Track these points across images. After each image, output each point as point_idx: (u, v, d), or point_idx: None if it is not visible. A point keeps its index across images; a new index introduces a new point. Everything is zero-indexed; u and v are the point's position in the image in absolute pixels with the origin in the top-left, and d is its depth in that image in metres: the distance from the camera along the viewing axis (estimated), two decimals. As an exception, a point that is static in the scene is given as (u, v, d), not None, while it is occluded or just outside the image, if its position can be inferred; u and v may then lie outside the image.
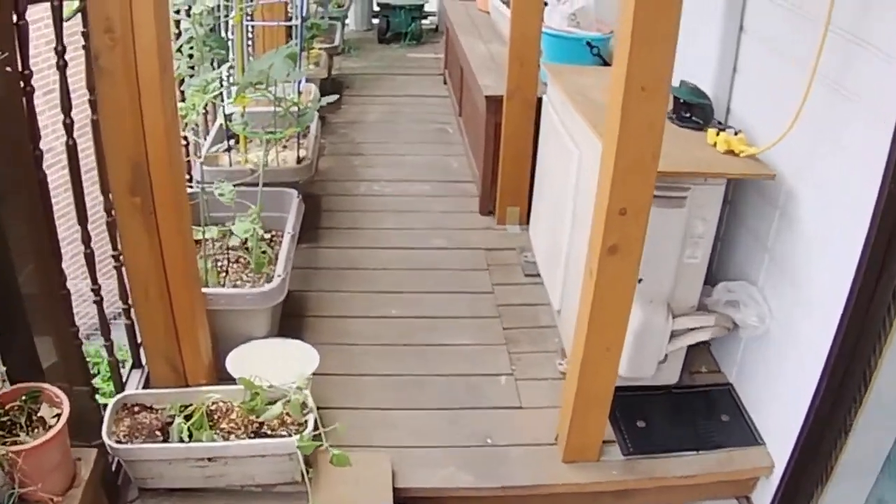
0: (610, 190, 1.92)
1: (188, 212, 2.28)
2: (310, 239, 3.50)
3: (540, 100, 3.36)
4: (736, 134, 2.42)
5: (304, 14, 3.72)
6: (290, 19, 3.79)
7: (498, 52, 4.09)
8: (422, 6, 6.27)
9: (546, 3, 3.51)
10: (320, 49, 4.77)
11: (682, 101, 2.60)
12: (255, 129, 3.63)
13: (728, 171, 2.34)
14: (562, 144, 2.78)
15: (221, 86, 3.02)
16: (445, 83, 5.36)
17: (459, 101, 4.57)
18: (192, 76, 2.89)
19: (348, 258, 3.39)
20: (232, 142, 3.45)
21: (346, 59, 5.89)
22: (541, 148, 3.23)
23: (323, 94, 4.85)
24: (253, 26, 4.02)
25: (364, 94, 5.24)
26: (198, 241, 2.65)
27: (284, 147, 3.62)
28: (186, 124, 2.70)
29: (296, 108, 3.17)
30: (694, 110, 2.60)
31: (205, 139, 3.51)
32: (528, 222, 3.58)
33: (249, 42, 4.22)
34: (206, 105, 2.94)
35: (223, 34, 3.62)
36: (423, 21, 6.50)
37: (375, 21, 6.58)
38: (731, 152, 2.39)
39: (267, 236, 3.02)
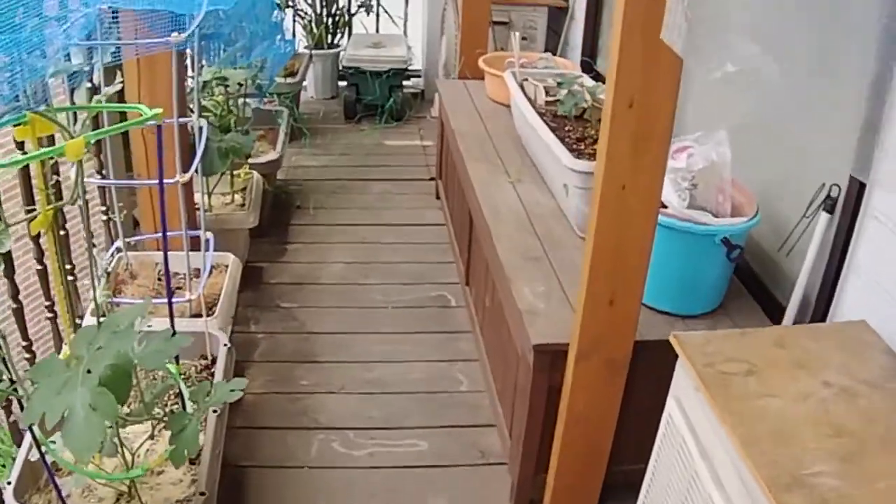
0: None
1: None
2: None
3: (637, 352, 1.82)
4: None
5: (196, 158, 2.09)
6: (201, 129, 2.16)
7: (537, 205, 2.48)
8: (403, 71, 4.62)
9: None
10: (248, 174, 3.12)
11: None
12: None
13: None
14: None
15: None
16: (438, 197, 3.73)
17: (466, 265, 2.95)
18: None
19: None
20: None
21: (299, 151, 4.25)
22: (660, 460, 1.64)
23: (259, 233, 3.24)
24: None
25: (320, 221, 3.60)
26: None
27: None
28: None
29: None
30: None
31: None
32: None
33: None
34: None
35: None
36: (406, 82, 4.86)
37: (342, 84, 4.93)
38: None
39: None
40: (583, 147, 2.38)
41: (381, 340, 2.85)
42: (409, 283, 3.16)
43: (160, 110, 1.43)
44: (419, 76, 5.14)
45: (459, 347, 2.82)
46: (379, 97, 4.56)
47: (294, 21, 4.91)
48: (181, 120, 2.33)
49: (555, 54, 3.87)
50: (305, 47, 4.94)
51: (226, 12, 2.70)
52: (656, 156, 1.59)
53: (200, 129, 2.26)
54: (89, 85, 2.42)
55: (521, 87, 2.82)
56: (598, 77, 3.49)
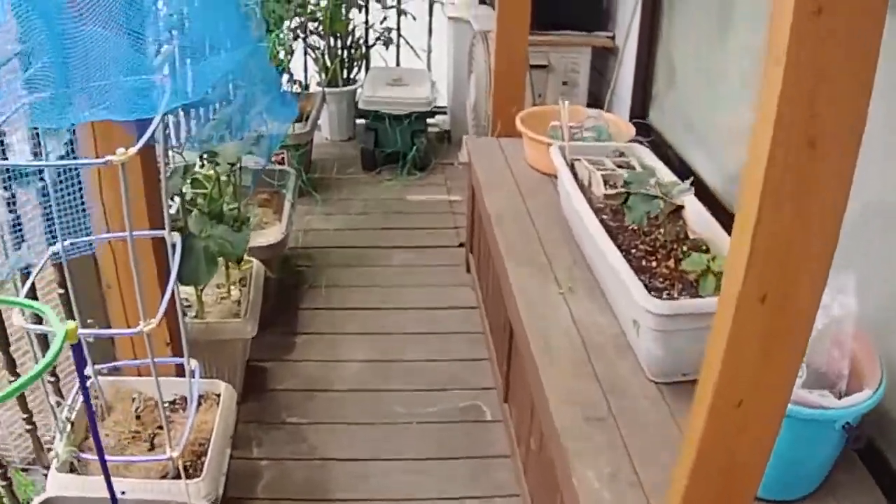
0: None
1: None
2: None
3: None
4: None
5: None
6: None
7: (596, 330, 2.04)
8: (427, 115, 4.18)
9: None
10: (247, 262, 2.70)
11: None
12: None
13: None
14: None
15: None
16: (469, 271, 3.30)
17: (505, 379, 2.51)
18: None
19: None
20: None
21: (311, 209, 3.83)
22: None
23: (263, 321, 2.54)
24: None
25: (334, 303, 3.18)
26: None
27: None
28: None
29: None
30: None
31: None
32: None
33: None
34: None
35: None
36: (430, 119, 4.39)
37: (361, 121, 4.49)
38: None
39: None
40: (654, 265, 1.93)
41: (404, 469, 2.43)
42: (436, 389, 2.74)
43: (73, 325, 1.02)
44: (444, 113, 4.69)
45: (496, 479, 2.39)
46: (400, 143, 4.13)
47: (305, 55, 4.50)
48: (146, 233, 1.92)
49: (602, 106, 3.43)
50: (318, 84, 4.53)
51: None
52: (790, 362, 1.15)
53: (174, 245, 1.84)
54: (41, 184, 2.03)
55: (572, 167, 2.38)
56: (658, 145, 3.05)
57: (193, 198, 2.41)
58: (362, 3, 4.28)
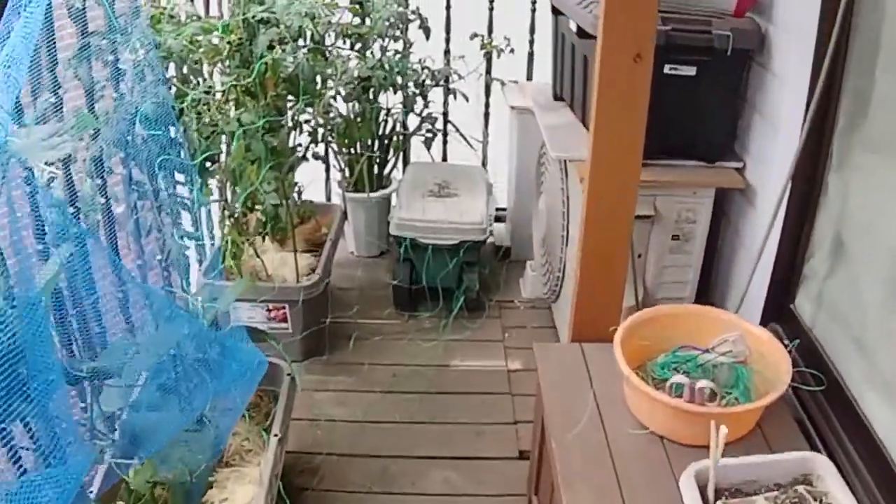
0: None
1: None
2: None
3: None
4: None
5: None
6: None
7: None
8: (482, 244, 3.27)
9: None
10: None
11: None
12: None
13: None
14: None
15: None
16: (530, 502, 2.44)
17: None
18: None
19: None
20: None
21: (323, 376, 2.98)
22: None
23: None
24: None
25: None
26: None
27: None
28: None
29: None
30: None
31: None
32: None
33: None
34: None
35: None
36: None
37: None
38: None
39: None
40: None
41: None
42: None
43: None
44: (503, 219, 3.76)
45: None
46: (446, 277, 3.22)
47: (326, 148, 3.63)
48: None
49: (724, 280, 2.49)
50: (340, 184, 3.65)
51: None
52: None
53: None
54: None
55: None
56: (812, 362, 2.10)
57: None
58: (400, 84, 3.38)
